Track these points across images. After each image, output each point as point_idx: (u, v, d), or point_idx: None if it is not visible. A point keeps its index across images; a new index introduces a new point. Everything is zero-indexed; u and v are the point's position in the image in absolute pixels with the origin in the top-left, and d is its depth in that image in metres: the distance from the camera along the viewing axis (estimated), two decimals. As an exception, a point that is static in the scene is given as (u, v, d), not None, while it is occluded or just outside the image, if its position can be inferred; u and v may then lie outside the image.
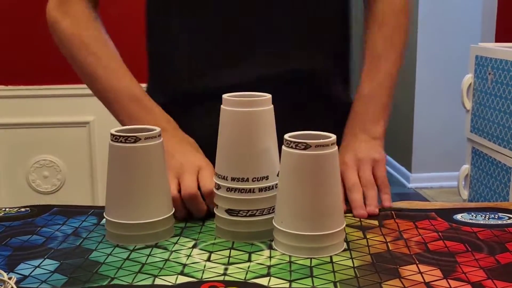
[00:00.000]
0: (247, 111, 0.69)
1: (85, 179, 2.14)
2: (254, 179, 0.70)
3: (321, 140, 0.66)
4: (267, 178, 0.71)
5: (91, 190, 2.15)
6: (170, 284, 0.60)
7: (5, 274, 0.61)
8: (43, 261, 0.66)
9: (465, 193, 2.25)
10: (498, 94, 2.01)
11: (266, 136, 0.71)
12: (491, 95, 2.05)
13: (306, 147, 0.65)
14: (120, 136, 0.69)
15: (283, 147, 0.67)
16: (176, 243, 0.71)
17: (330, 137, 0.67)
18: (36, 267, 0.65)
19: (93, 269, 0.64)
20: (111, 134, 0.70)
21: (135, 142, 0.69)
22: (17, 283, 0.60)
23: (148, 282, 0.61)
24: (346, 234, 0.72)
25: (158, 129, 0.71)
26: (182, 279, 0.61)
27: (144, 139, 0.69)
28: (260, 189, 0.70)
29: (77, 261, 0.66)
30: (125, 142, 0.69)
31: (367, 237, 0.73)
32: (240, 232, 0.71)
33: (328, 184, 0.66)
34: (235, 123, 0.70)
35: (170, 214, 0.73)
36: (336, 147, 0.67)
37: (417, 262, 0.65)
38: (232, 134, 0.70)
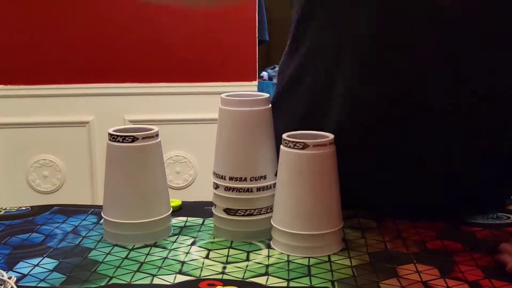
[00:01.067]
0: (245, 110, 0.70)
1: (85, 179, 2.14)
2: (252, 179, 0.70)
3: (319, 140, 0.66)
4: (265, 177, 0.71)
5: (91, 190, 2.16)
6: (168, 283, 0.60)
7: (5, 273, 0.61)
8: (42, 259, 0.66)
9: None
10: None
11: (264, 136, 0.71)
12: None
13: (304, 146, 0.65)
14: (117, 135, 0.69)
15: (282, 147, 0.67)
16: (175, 241, 0.71)
17: (328, 137, 0.67)
18: (35, 265, 0.65)
19: (92, 268, 0.64)
20: (109, 134, 0.70)
21: (132, 141, 0.69)
22: (16, 281, 0.60)
23: (147, 281, 0.61)
24: (344, 233, 0.72)
25: (155, 129, 0.71)
26: (181, 278, 0.61)
27: (141, 139, 0.69)
28: (258, 189, 0.71)
29: (76, 260, 0.66)
30: (123, 142, 0.69)
31: (365, 236, 0.73)
32: (239, 232, 0.71)
33: (326, 184, 0.67)
34: (233, 122, 0.70)
35: (168, 214, 0.73)
36: (334, 147, 0.67)
37: (415, 261, 0.65)
38: (230, 133, 0.71)
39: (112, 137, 0.70)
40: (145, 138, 0.69)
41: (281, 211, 0.68)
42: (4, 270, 0.62)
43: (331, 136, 0.67)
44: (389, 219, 0.78)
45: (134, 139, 0.69)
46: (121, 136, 0.69)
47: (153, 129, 0.71)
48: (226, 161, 0.71)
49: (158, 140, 0.71)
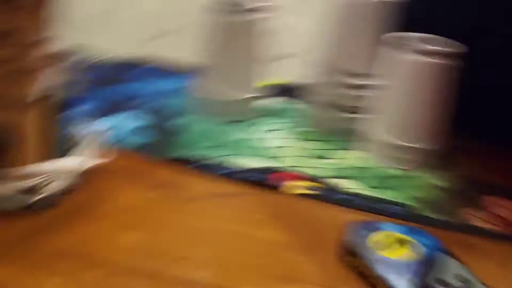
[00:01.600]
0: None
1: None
2: (363, 76, 0.66)
3: (442, 48, 0.60)
4: (374, 77, 0.66)
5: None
6: (251, 165, 0.60)
7: (100, 125, 0.61)
8: (126, 117, 0.66)
9: None
10: None
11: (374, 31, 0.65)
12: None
13: (423, 52, 0.60)
14: (225, 3, 0.66)
15: (396, 51, 0.62)
16: (265, 123, 0.70)
17: (454, 46, 0.60)
18: (118, 124, 0.65)
19: (175, 135, 0.64)
20: (212, 3, 0.66)
21: (239, 12, 0.65)
22: (98, 137, 0.60)
23: (228, 159, 0.61)
24: (440, 153, 0.67)
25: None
26: (265, 163, 0.61)
27: (249, 10, 0.66)
28: (363, 87, 0.67)
29: (165, 124, 0.66)
30: (230, 13, 0.66)
31: (460, 160, 0.68)
32: (334, 128, 0.69)
33: (437, 97, 0.62)
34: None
35: (266, 93, 0.71)
36: (460, 60, 0.60)
37: (503, 194, 0.61)
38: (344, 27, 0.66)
39: (218, 7, 0.67)
40: (253, 9, 0.66)
41: (383, 116, 0.65)
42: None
43: (458, 45, 0.60)
44: (492, 146, 0.72)
45: (241, 9, 0.65)
46: (228, 3, 0.66)
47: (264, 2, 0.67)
48: (339, 53, 0.67)
49: (269, 12, 0.67)
